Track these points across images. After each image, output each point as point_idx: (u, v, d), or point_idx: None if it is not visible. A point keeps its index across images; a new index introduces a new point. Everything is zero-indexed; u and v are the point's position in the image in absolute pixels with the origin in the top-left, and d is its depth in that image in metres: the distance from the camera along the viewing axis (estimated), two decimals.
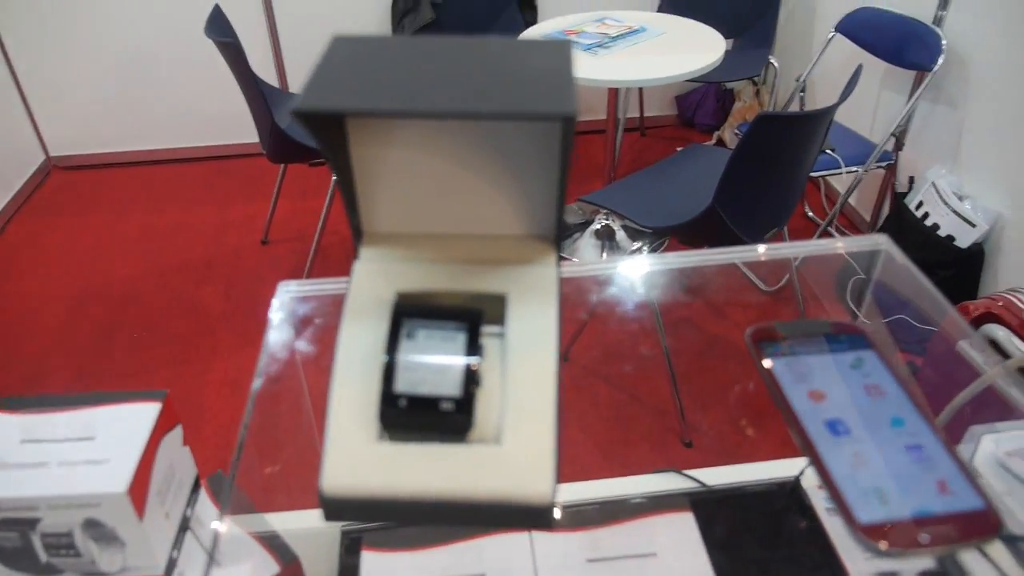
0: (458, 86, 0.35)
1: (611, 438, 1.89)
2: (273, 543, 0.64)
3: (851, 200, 2.50)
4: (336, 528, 0.69)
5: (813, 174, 2.07)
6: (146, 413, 0.61)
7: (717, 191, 1.57)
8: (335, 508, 0.39)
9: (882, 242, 0.63)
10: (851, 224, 2.54)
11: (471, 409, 0.38)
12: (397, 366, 0.38)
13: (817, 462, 0.41)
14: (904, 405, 0.43)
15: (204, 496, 0.70)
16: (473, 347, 0.38)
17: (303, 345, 0.59)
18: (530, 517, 0.39)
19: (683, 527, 0.61)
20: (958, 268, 1.91)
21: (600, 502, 0.68)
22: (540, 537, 0.60)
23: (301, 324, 0.58)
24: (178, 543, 0.65)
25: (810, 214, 2.60)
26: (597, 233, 2.58)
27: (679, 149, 2.24)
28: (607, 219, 2.57)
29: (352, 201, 0.44)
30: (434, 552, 0.59)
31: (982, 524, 0.37)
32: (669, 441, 1.91)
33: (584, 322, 2.02)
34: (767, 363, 0.46)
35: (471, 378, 0.38)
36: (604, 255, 2.51)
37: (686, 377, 1.97)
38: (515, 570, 0.58)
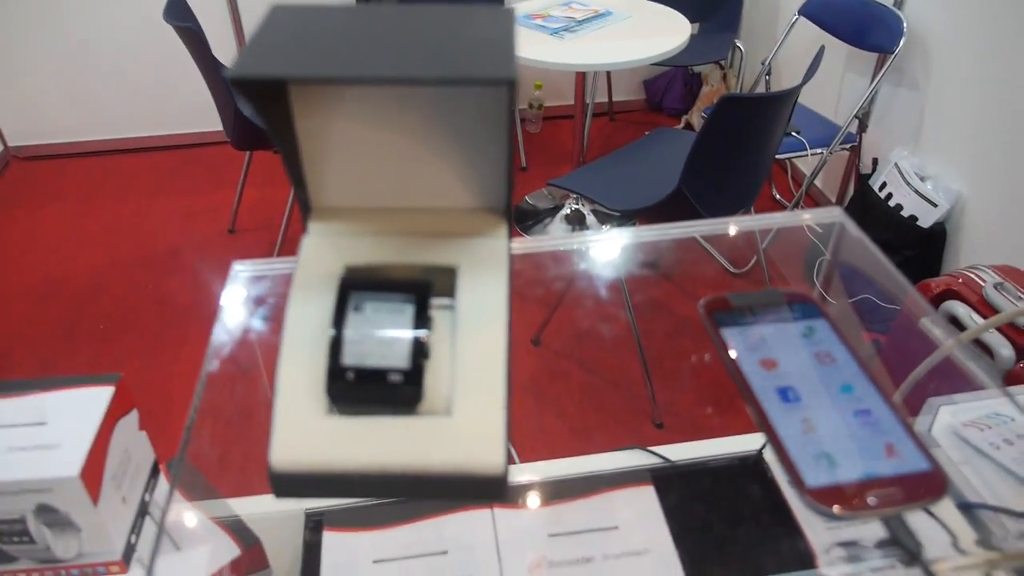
0: (401, 52, 0.35)
1: (585, 422, 1.90)
2: (234, 527, 0.64)
3: (817, 182, 2.53)
4: (299, 510, 0.69)
5: (779, 156, 2.09)
6: (99, 397, 0.60)
7: (683, 173, 1.58)
8: (285, 484, 0.39)
9: (836, 215, 0.64)
10: (817, 206, 2.57)
11: (420, 381, 0.37)
12: (344, 339, 0.37)
13: (768, 430, 0.41)
14: (853, 372, 0.44)
15: (164, 481, 0.69)
16: (421, 319, 0.38)
17: (258, 324, 0.58)
18: (483, 489, 0.39)
19: (645, 501, 0.61)
20: (921, 247, 1.94)
21: (563, 479, 0.68)
22: (502, 513, 0.60)
23: (256, 304, 0.57)
24: (136, 528, 0.64)
25: (777, 196, 2.63)
26: (567, 217, 2.58)
27: (647, 133, 2.24)
28: (577, 203, 2.58)
29: (299, 175, 0.43)
30: (396, 531, 0.59)
31: (929, 485, 0.38)
32: (641, 423, 1.93)
33: (555, 306, 2.03)
34: (720, 333, 0.46)
35: (419, 349, 0.37)
36: None
37: (657, 359, 1.98)
38: (477, 546, 0.58)
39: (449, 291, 0.41)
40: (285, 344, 0.39)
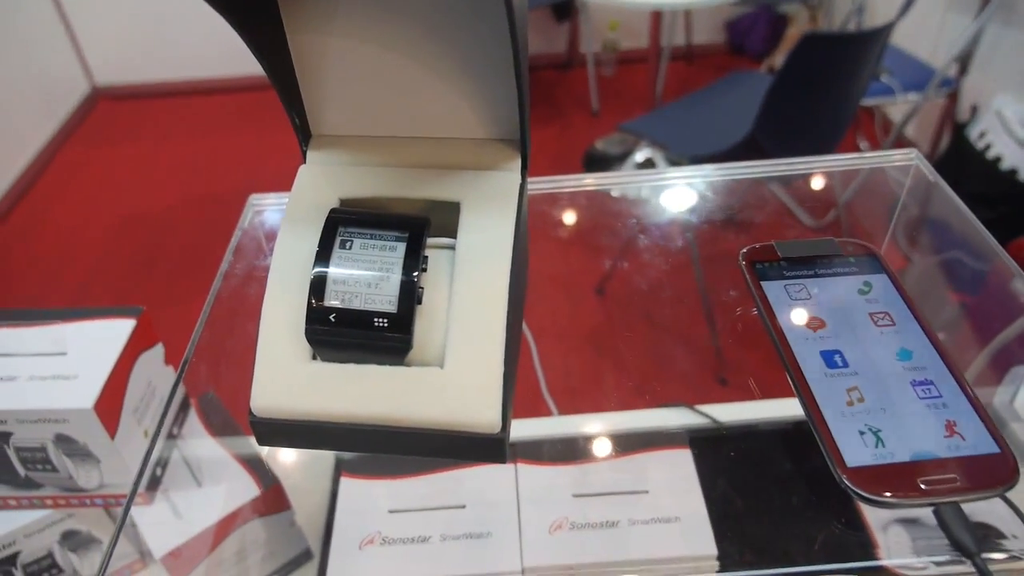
0: None
1: (647, 376, 1.86)
2: (255, 466, 0.63)
3: (908, 131, 2.35)
4: (330, 453, 0.67)
5: (866, 102, 1.94)
6: (119, 330, 0.59)
7: (757, 118, 1.48)
8: (266, 431, 0.36)
9: (912, 156, 0.57)
10: None
11: (409, 327, 0.34)
12: (327, 279, 0.34)
13: (808, 398, 0.36)
14: (915, 336, 0.38)
15: (194, 416, 0.68)
16: (413, 259, 0.34)
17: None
18: (478, 448, 0.35)
19: (680, 465, 0.57)
20: (1020, 202, 1.79)
21: (596, 436, 0.64)
22: (525, 469, 0.57)
23: (269, 238, 0.55)
24: (162, 462, 0.63)
25: (863, 146, 2.47)
26: (638, 165, 2.49)
27: (725, 76, 2.12)
28: (649, 150, 2.48)
29: (295, 98, 0.39)
30: (414, 481, 0.57)
31: (993, 472, 0.32)
32: (705, 379, 1.87)
33: (619, 255, 1.96)
34: (760, 287, 0.41)
35: (409, 292, 0.34)
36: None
37: (726, 314, 1.90)
38: (497, 502, 0.55)
39: (451, 229, 0.37)
40: (270, 282, 0.36)
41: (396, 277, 0.34)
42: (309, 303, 0.34)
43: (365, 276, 0.34)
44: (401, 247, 0.34)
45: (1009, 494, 0.31)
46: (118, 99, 3.06)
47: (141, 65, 3.00)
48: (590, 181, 0.73)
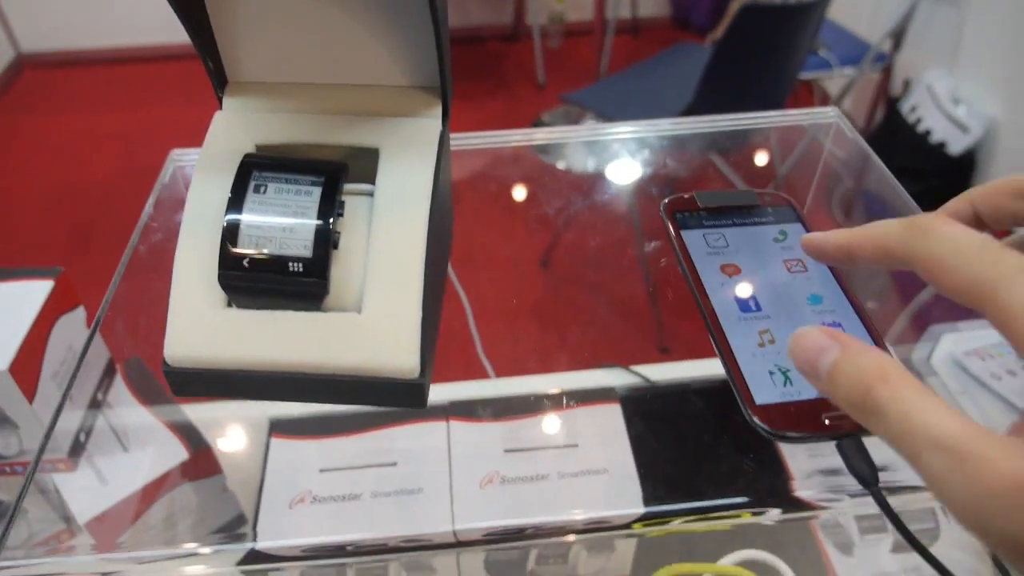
0: None
1: (589, 346, 1.87)
2: (184, 431, 0.62)
3: (844, 105, 2.41)
4: (263, 416, 0.66)
5: (804, 76, 1.98)
6: (36, 291, 0.57)
7: (697, 89, 1.50)
8: (180, 380, 0.35)
9: (832, 114, 0.58)
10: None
11: (325, 273, 0.33)
12: (241, 223, 0.33)
13: (721, 341, 0.37)
14: (825, 281, 0.39)
15: (120, 381, 0.67)
16: (329, 204, 0.34)
17: None
18: (397, 393, 0.35)
19: (609, 419, 0.58)
20: (948, 176, 1.85)
21: (530, 396, 0.65)
22: (457, 426, 0.57)
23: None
24: (86, 427, 0.62)
25: None
26: None
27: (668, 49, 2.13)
28: (594, 123, 2.49)
29: (208, 43, 0.38)
30: (345, 440, 0.57)
31: None
32: (647, 348, 1.89)
33: (562, 227, 1.97)
34: (680, 236, 0.41)
35: (324, 237, 0.33)
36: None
37: (665, 281, 1.93)
38: (428, 459, 0.55)
39: (370, 177, 0.37)
40: (183, 230, 0.36)
41: (311, 222, 0.33)
42: (222, 249, 0.33)
43: (280, 221, 0.33)
44: (317, 192, 0.34)
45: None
46: (45, 67, 2.94)
47: (70, 31, 2.88)
48: (517, 138, 0.73)
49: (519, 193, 0.79)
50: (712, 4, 2.95)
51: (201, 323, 0.34)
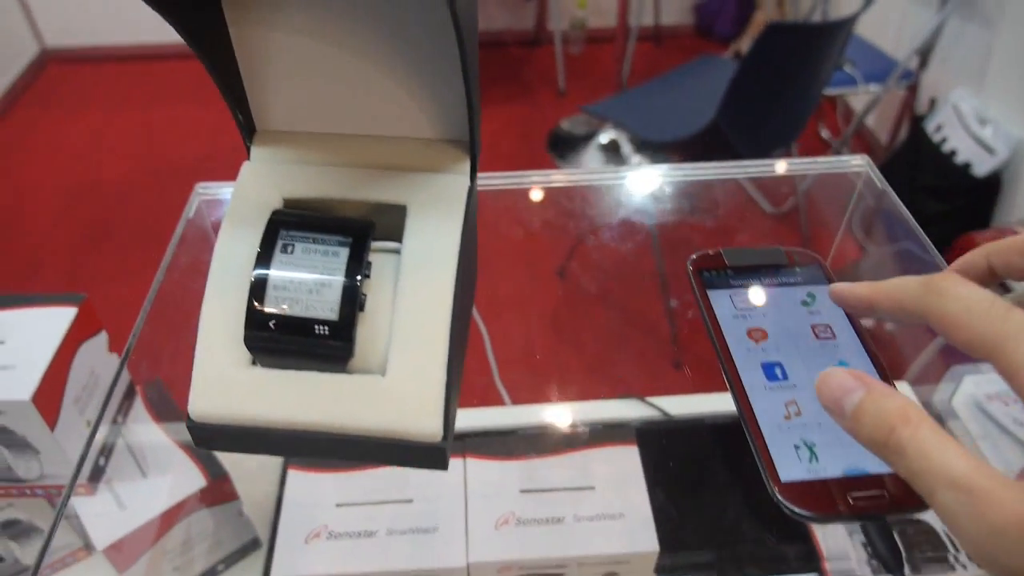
0: None
1: (602, 358, 1.86)
2: (202, 457, 0.62)
3: (868, 121, 2.39)
4: None
5: (829, 92, 1.96)
6: (60, 318, 0.57)
7: (721, 106, 1.49)
8: (204, 435, 0.35)
9: (862, 163, 0.57)
10: (867, 146, 2.44)
11: (351, 335, 0.33)
12: (268, 283, 0.33)
13: (746, 410, 0.36)
14: (854, 349, 0.39)
15: (139, 403, 0.67)
16: (357, 264, 0.34)
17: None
18: (419, 456, 0.35)
19: (626, 461, 0.58)
20: (972, 198, 1.83)
21: (546, 430, 0.65)
22: (474, 464, 0.57)
23: (216, 228, 0.53)
24: (106, 451, 0.62)
25: (824, 135, 2.50)
26: (602, 147, 2.49)
27: (690, 61, 2.12)
28: (614, 132, 2.48)
29: (238, 94, 0.38)
30: (361, 475, 0.57)
31: None
32: (661, 362, 1.89)
33: (580, 239, 1.97)
34: (706, 295, 0.41)
35: (351, 299, 0.33)
36: None
37: (682, 297, 1.92)
38: (444, 497, 0.55)
39: (397, 233, 0.37)
40: (210, 283, 0.36)
41: (338, 283, 0.33)
42: (249, 309, 0.33)
43: (306, 281, 0.33)
44: (344, 252, 0.34)
45: (928, 514, 0.32)
46: (69, 62, 2.96)
47: (94, 27, 2.91)
48: (558, 177, 0.73)
49: (537, 223, 0.79)
50: (736, 13, 2.93)
51: (225, 380, 0.34)
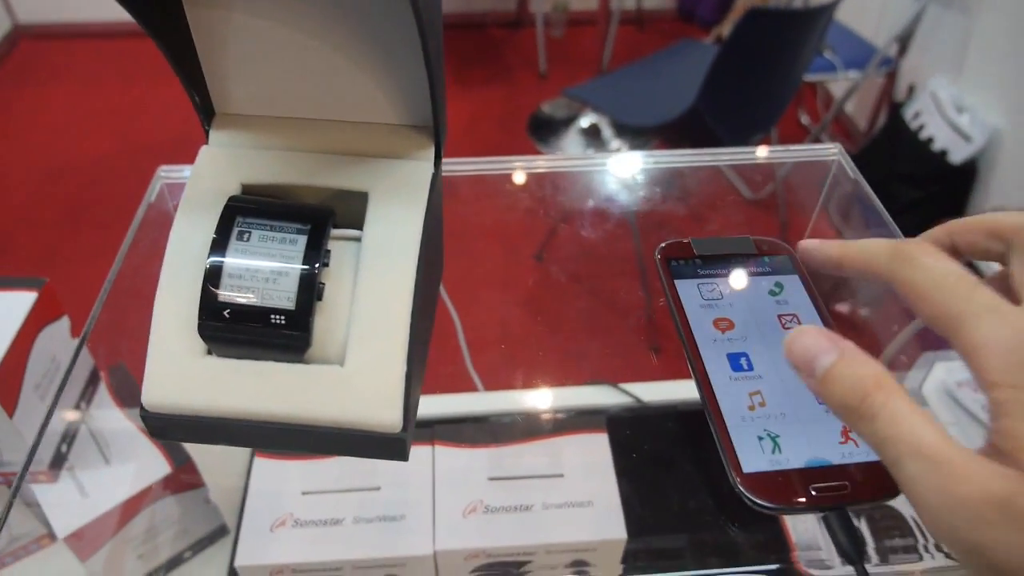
0: None
1: (579, 342, 1.87)
2: (167, 443, 0.61)
3: (848, 107, 2.39)
4: None
5: (808, 78, 1.96)
6: (20, 303, 0.56)
7: (701, 91, 1.49)
8: (158, 424, 0.35)
9: (835, 152, 0.57)
10: (845, 132, 2.45)
11: (308, 324, 0.33)
12: (223, 271, 0.32)
13: (710, 401, 0.36)
14: None
15: (103, 389, 0.66)
16: (314, 252, 0.33)
17: None
18: (379, 446, 0.35)
19: (596, 449, 0.57)
20: (948, 184, 1.84)
21: (516, 416, 0.64)
22: (442, 451, 0.57)
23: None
24: (68, 437, 0.61)
25: (804, 120, 2.50)
26: (583, 130, 2.48)
27: (671, 45, 2.11)
28: (594, 116, 2.47)
29: (195, 76, 0.37)
30: (328, 463, 0.56)
31: (882, 480, 0.33)
32: (636, 349, 1.89)
33: (558, 223, 1.96)
34: (673, 284, 0.41)
35: (308, 287, 0.32)
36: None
37: (659, 284, 1.92)
38: (412, 485, 0.55)
39: (358, 221, 0.36)
40: (164, 272, 0.35)
41: (295, 271, 0.33)
42: (203, 298, 0.32)
43: (263, 270, 0.33)
44: (302, 240, 0.33)
45: (895, 502, 0.32)
46: (42, 38, 2.90)
47: (67, 2, 2.84)
48: (538, 163, 0.72)
49: (513, 206, 0.78)
50: None
51: (179, 370, 0.34)
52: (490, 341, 0.80)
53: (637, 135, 2.38)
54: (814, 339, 0.27)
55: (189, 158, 0.49)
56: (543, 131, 2.53)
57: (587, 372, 0.89)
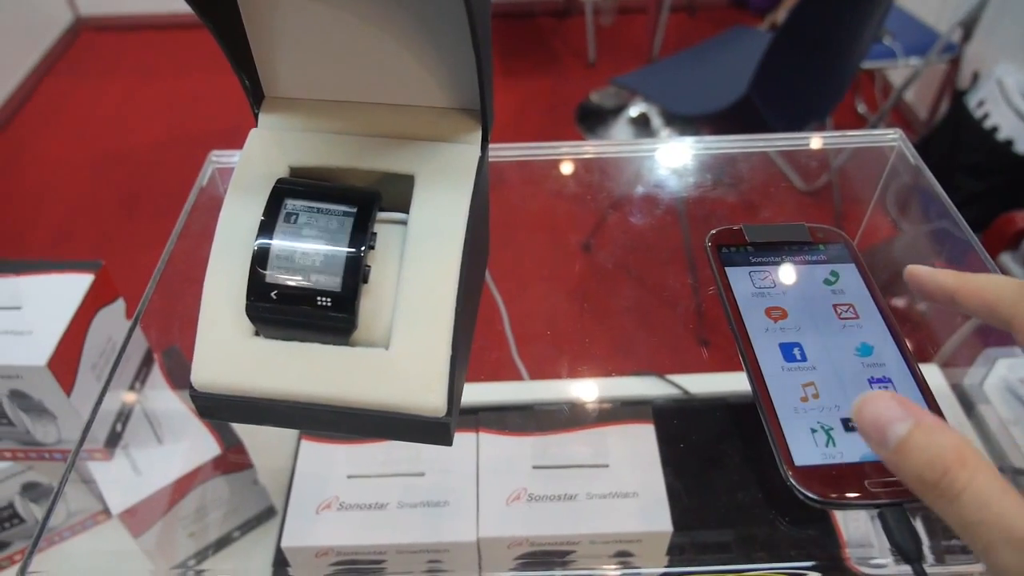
0: None
1: (625, 334, 1.85)
2: (218, 425, 0.62)
3: (908, 96, 2.32)
4: None
5: (867, 65, 1.90)
6: (77, 285, 0.57)
7: (754, 78, 1.45)
8: (207, 405, 0.35)
9: (896, 137, 0.55)
10: (905, 122, 2.37)
11: (354, 307, 0.33)
12: (270, 253, 0.33)
13: (762, 392, 0.35)
14: (877, 330, 0.37)
15: (157, 370, 0.67)
16: (361, 234, 0.33)
17: None
18: (423, 431, 0.34)
19: (642, 440, 0.57)
20: (1014, 175, 1.77)
21: (561, 406, 0.64)
22: (487, 439, 0.57)
23: None
24: (123, 417, 0.63)
25: (861, 109, 2.43)
26: (631, 120, 2.46)
27: (723, 32, 2.07)
28: (644, 105, 2.44)
29: (244, 58, 0.37)
30: (373, 447, 0.56)
31: None
32: (684, 340, 1.87)
33: (606, 212, 1.94)
34: (724, 272, 0.40)
35: (354, 270, 0.32)
36: None
37: (709, 273, 1.89)
38: (456, 471, 0.55)
39: (405, 204, 0.36)
40: (213, 254, 0.35)
41: (342, 254, 0.33)
42: (251, 279, 0.33)
43: (309, 252, 0.33)
44: (349, 222, 0.33)
45: None
46: (102, 30, 2.98)
47: None
48: (586, 149, 0.71)
49: (560, 193, 0.77)
50: None
51: (227, 351, 0.34)
52: (536, 330, 0.80)
53: (687, 124, 2.34)
54: (886, 405, 0.25)
55: (241, 146, 0.49)
56: (591, 120, 2.51)
57: (634, 363, 0.88)
